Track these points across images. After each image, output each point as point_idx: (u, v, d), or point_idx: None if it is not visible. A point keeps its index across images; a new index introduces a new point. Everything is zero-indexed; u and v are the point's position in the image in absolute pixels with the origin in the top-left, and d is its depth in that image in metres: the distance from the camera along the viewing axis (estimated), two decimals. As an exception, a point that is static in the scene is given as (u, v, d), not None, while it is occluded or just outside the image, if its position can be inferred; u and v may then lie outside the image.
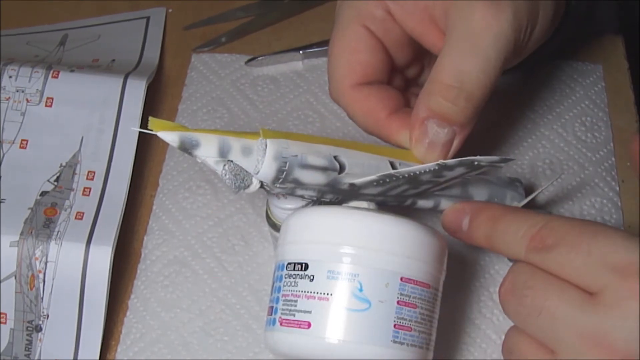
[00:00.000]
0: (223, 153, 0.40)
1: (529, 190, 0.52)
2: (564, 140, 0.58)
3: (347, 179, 0.42)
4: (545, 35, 0.49)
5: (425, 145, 0.46)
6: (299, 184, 0.41)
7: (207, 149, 0.39)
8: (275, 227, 0.48)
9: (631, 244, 0.37)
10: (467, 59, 0.45)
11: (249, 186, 0.41)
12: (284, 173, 0.41)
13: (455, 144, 0.46)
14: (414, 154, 0.46)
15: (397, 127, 0.48)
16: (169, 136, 0.39)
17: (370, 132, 0.50)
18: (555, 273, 0.38)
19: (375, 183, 0.42)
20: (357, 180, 0.42)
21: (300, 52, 0.63)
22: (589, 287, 0.37)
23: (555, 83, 0.61)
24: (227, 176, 0.40)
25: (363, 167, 0.43)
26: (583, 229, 0.38)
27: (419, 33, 0.49)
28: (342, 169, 0.42)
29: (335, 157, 0.42)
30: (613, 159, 0.57)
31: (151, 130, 0.38)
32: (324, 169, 0.42)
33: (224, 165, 0.40)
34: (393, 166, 0.44)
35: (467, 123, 0.46)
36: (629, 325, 0.35)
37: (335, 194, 0.43)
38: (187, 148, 0.39)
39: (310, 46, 0.64)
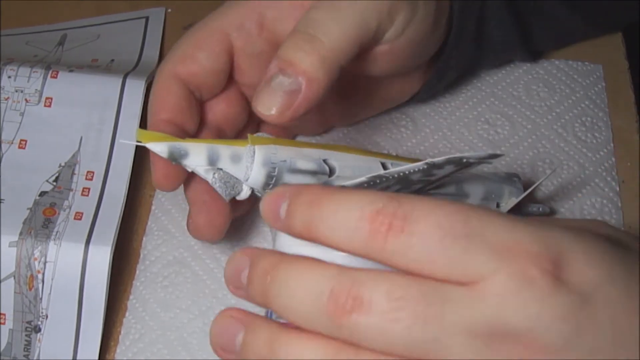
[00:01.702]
0: (212, 161, 0.40)
1: (528, 188, 0.52)
2: (564, 140, 0.58)
3: (337, 182, 0.42)
4: (422, 37, 0.47)
5: (265, 94, 0.41)
6: None
7: (196, 158, 0.40)
8: None
9: (510, 222, 0.31)
10: (324, 13, 0.42)
11: (239, 193, 0.41)
12: (274, 179, 0.41)
13: (300, 99, 0.41)
14: (254, 109, 0.42)
15: None
16: (158, 147, 0.39)
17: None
18: (415, 270, 0.30)
19: (365, 184, 0.42)
20: (348, 183, 0.42)
21: (300, 52, 0.63)
22: (467, 277, 0.30)
23: (555, 83, 0.61)
24: (218, 184, 0.40)
25: (354, 169, 0.43)
26: (447, 208, 0.30)
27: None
28: (332, 172, 0.42)
29: (324, 161, 0.42)
30: (613, 159, 0.57)
31: (140, 142, 0.39)
32: (313, 173, 0.42)
33: (214, 173, 0.40)
34: (384, 167, 0.44)
35: (313, 75, 0.41)
36: (532, 311, 0.29)
37: None
38: (176, 158, 0.39)
39: (310, 46, 0.63)
